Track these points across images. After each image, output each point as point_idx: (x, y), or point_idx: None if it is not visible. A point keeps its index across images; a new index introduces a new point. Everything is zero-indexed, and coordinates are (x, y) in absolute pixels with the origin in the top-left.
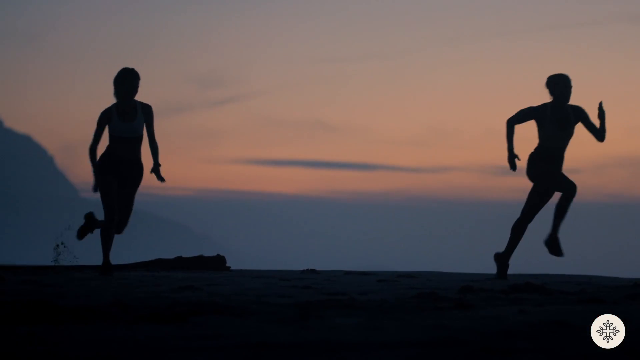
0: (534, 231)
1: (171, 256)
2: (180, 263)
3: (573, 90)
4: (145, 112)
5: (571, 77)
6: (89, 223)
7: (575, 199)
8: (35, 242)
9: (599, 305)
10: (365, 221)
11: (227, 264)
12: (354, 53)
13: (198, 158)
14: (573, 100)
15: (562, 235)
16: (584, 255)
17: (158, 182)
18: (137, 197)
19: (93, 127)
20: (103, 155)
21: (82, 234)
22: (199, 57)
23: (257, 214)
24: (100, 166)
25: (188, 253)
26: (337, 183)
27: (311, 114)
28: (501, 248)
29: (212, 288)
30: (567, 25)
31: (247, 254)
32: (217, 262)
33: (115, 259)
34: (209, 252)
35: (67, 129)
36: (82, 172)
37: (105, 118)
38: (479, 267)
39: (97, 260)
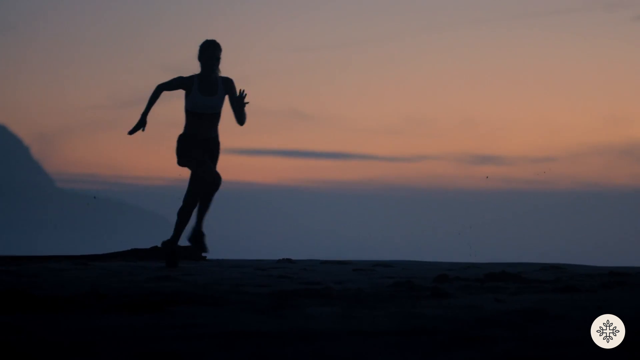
0: (512, 222)
1: (147, 246)
2: (156, 253)
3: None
4: (226, 86)
5: (548, 64)
6: (171, 252)
7: (552, 187)
8: (11, 232)
9: (574, 293)
10: (342, 210)
11: (203, 254)
12: (330, 42)
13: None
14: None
15: (539, 224)
16: (560, 244)
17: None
18: (111, 187)
19: (69, 116)
20: (182, 135)
21: (173, 265)
22: (175, 46)
23: (233, 204)
24: (183, 147)
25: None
26: (313, 172)
27: (287, 103)
28: (475, 236)
29: (188, 278)
30: (543, 13)
31: (222, 243)
32: (193, 252)
33: (91, 249)
34: (184, 242)
35: (43, 119)
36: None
37: (184, 82)
38: (455, 256)
39: (72, 249)
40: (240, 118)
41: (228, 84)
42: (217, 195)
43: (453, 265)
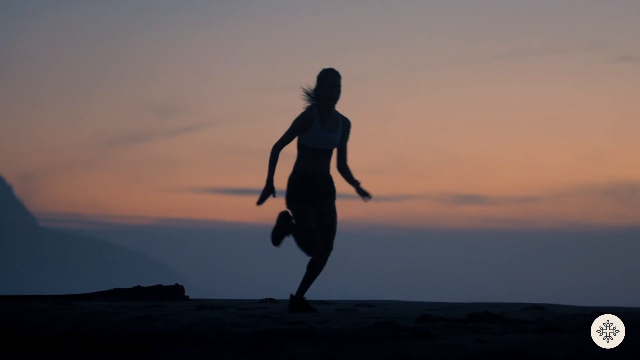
0: (495, 262)
1: (129, 285)
2: (138, 292)
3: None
4: (344, 126)
5: (531, 104)
6: (284, 223)
7: (535, 227)
8: None
9: (558, 334)
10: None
11: (186, 294)
12: (311, 82)
13: (156, 187)
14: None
15: (522, 263)
16: (542, 284)
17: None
18: (94, 226)
19: (52, 155)
20: (292, 178)
21: (277, 237)
22: (156, 86)
23: (215, 243)
24: (294, 194)
25: (146, 282)
26: None
27: (269, 142)
28: (461, 276)
29: (171, 317)
30: (526, 52)
31: (205, 283)
32: (176, 292)
33: (73, 288)
34: (167, 282)
35: (26, 158)
36: (41, 201)
37: (306, 121)
38: (437, 295)
39: (54, 289)
40: (342, 162)
41: (346, 125)
42: (198, 234)
43: (436, 305)
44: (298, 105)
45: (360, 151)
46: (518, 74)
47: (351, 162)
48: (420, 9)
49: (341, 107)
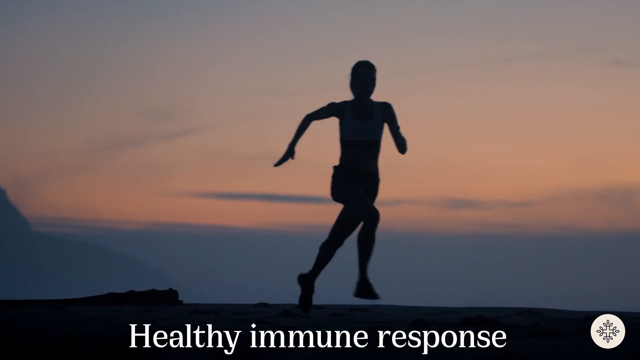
0: (489, 266)
1: (123, 290)
2: (132, 297)
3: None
4: (384, 111)
5: (524, 108)
6: (307, 288)
7: (528, 232)
8: None
9: (551, 338)
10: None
11: (180, 298)
12: (305, 86)
13: (150, 191)
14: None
15: (516, 268)
16: (536, 288)
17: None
18: (88, 231)
19: (46, 160)
20: (337, 169)
21: (306, 305)
22: (150, 90)
23: (209, 247)
24: (336, 180)
25: (140, 287)
26: (289, 216)
27: (262, 146)
28: (455, 280)
29: (165, 322)
30: (520, 57)
31: (199, 287)
32: (170, 296)
33: (67, 293)
34: (161, 286)
35: (19, 163)
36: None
37: (337, 107)
38: (431, 300)
39: (48, 294)
40: (400, 145)
41: (386, 109)
42: (193, 239)
43: (430, 310)
44: (291, 109)
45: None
46: (511, 79)
47: None
48: (412, 14)
49: None
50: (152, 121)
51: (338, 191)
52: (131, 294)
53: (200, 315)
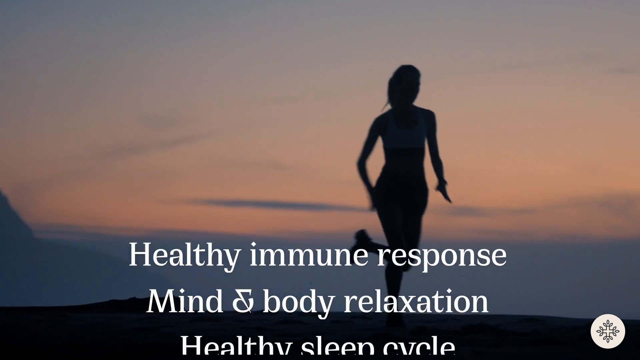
0: (490, 273)
1: (125, 297)
2: (134, 304)
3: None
4: (427, 119)
5: (527, 116)
6: (362, 243)
7: (530, 239)
8: None
9: (553, 346)
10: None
11: (181, 305)
12: (308, 93)
13: (152, 198)
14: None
15: (517, 275)
16: (538, 295)
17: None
18: (90, 238)
19: (47, 167)
20: (381, 177)
21: (354, 257)
22: (151, 97)
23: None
24: (381, 190)
25: (142, 294)
26: (291, 223)
27: (264, 154)
28: (456, 290)
29: (166, 329)
30: (522, 64)
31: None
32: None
33: (69, 300)
34: (162, 293)
35: (22, 169)
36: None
37: (380, 125)
38: (433, 307)
39: (50, 301)
40: (437, 165)
41: (430, 118)
42: (194, 246)
43: (431, 317)
44: (293, 117)
45: (353, 163)
46: (513, 86)
47: (347, 174)
48: (413, 21)
49: (334, 117)
50: (154, 128)
51: (377, 207)
52: (133, 300)
53: (201, 322)
